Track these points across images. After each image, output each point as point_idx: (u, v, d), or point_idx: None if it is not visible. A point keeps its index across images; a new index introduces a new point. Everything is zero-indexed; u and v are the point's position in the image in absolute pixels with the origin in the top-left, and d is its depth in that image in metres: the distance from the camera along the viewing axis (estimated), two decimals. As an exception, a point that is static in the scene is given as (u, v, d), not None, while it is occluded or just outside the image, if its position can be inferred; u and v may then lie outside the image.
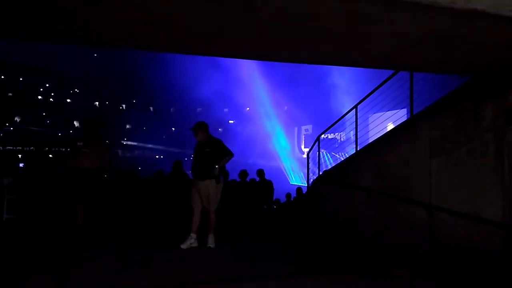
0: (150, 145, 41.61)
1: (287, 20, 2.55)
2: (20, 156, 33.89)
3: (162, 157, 39.80)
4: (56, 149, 34.31)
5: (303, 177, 16.95)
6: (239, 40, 3.04)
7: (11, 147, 35.16)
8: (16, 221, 7.41)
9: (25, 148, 35.71)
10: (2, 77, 39.48)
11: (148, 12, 2.37)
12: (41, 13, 2.44)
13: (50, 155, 34.35)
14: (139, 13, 2.39)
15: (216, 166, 5.62)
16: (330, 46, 3.16)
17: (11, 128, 38.18)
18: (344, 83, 22.18)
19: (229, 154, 5.72)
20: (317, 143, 9.04)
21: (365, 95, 7.00)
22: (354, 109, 7.22)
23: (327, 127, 9.11)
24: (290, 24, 2.63)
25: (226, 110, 41.38)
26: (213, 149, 5.66)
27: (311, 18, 2.49)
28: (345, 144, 18.62)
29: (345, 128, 17.72)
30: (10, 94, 39.63)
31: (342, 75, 22.29)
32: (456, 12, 2.35)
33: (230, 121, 41.66)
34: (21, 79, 40.33)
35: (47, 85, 42.15)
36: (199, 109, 40.72)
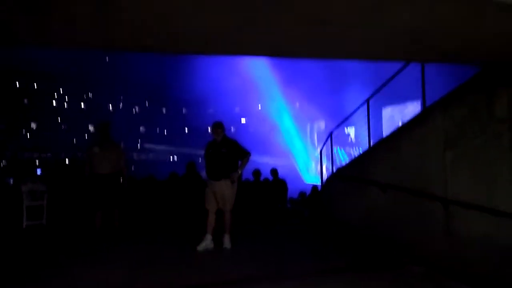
0: (163, 147, 41.88)
1: (302, 16, 2.53)
2: (37, 162, 34.46)
3: (175, 158, 40.05)
4: (72, 154, 34.77)
5: (318, 174, 16.93)
6: (255, 38, 3.02)
7: (28, 154, 35.74)
8: (36, 227, 7.55)
9: (41, 155, 36.26)
10: (17, 84, 40.12)
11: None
12: (50, 19, 2.45)
13: (67, 161, 34.83)
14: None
15: (240, 171, 5.66)
16: (341, 39, 3.13)
17: (28, 135, 38.81)
18: (356, 76, 21.96)
19: (247, 154, 5.73)
20: (330, 139, 8.99)
21: (377, 87, 6.91)
22: (366, 103, 7.16)
23: (339, 123, 9.06)
24: (304, 20, 2.61)
25: (237, 109, 41.37)
26: (229, 150, 5.66)
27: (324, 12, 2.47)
28: (358, 138, 18.50)
29: (358, 123, 17.60)
30: (26, 100, 40.27)
31: (354, 68, 22.07)
32: (463, 1, 2.32)
33: (242, 119, 41.66)
34: (35, 85, 40.92)
35: (61, 91, 42.70)
36: (210, 109, 40.78)
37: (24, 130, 39.20)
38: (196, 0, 2.18)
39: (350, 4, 2.34)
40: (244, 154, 5.71)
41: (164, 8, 2.28)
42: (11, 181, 10.44)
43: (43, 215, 7.72)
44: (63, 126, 40.87)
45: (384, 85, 6.61)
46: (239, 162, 5.75)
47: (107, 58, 42.17)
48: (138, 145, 41.94)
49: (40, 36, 2.87)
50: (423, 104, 5.56)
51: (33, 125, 40.22)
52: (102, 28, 2.53)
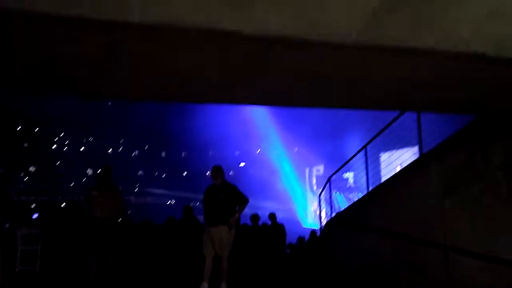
0: (162, 191, 41.57)
1: (296, 71, 2.64)
2: (34, 206, 34.08)
3: (174, 202, 39.67)
4: (70, 198, 34.48)
5: (316, 219, 16.78)
6: (260, 89, 3.13)
7: (25, 197, 35.40)
8: (29, 272, 7.37)
9: (38, 198, 35.90)
10: (19, 128, 40.42)
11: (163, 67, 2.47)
12: (59, 67, 2.54)
13: (64, 204, 34.49)
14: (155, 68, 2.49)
15: (236, 216, 5.60)
16: (333, 91, 3.23)
17: (26, 178, 38.63)
18: (355, 121, 22.24)
19: (245, 200, 5.67)
20: (328, 184, 9.01)
21: (376, 132, 7.00)
22: (364, 149, 7.25)
23: (338, 167, 9.11)
24: (298, 74, 2.72)
25: (237, 153, 41.52)
26: (228, 195, 5.63)
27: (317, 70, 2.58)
28: (357, 184, 18.45)
29: (356, 168, 17.59)
30: (26, 144, 40.43)
31: (352, 113, 22.35)
32: (456, 55, 2.41)
33: (241, 164, 41.69)
34: (36, 129, 41.23)
35: (61, 135, 42.97)
36: (210, 153, 40.91)
37: (22, 173, 39.08)
38: (198, 57, 2.29)
39: (350, 59, 2.44)
40: (242, 200, 5.67)
41: (166, 62, 2.39)
42: (7, 225, 10.31)
43: (36, 260, 7.56)
44: (61, 170, 40.77)
45: (381, 131, 6.73)
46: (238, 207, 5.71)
47: (109, 102, 42.65)
48: (137, 188, 41.67)
49: (45, 82, 2.96)
50: (420, 151, 5.63)
51: (32, 169, 40.15)
52: (107, 79, 2.63)
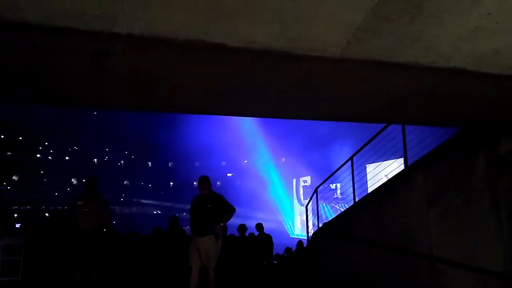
0: (148, 201, 41.18)
1: (283, 83, 2.68)
2: (16, 215, 33.41)
3: (159, 212, 39.31)
4: (54, 208, 33.90)
5: (303, 229, 16.77)
6: (247, 101, 3.16)
7: (8, 207, 34.62)
8: (11, 283, 7.21)
9: (21, 208, 35.23)
10: (2, 137, 39.78)
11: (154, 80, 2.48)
12: (51, 80, 2.54)
13: (46, 214, 33.89)
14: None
15: (221, 224, 5.57)
16: (319, 103, 3.28)
17: (8, 187, 37.91)
18: (340, 133, 22.40)
19: (232, 210, 5.65)
20: (315, 195, 9.04)
21: (362, 143, 7.08)
22: (350, 161, 7.31)
23: (325, 178, 9.16)
24: (285, 86, 2.76)
25: (224, 163, 41.46)
26: (214, 205, 5.60)
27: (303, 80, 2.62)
28: (343, 194, 18.54)
29: (343, 179, 17.68)
30: (9, 153, 39.75)
31: (338, 125, 22.54)
32: (437, 70, 2.47)
33: (228, 174, 41.59)
34: (20, 138, 40.61)
35: (46, 143, 42.39)
36: (197, 163, 40.77)
37: (5, 182, 38.32)
38: (189, 68, 2.30)
39: (335, 73, 2.48)
40: (229, 209, 5.66)
41: (154, 74, 2.40)
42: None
43: (18, 271, 7.40)
44: (45, 179, 40.14)
45: (367, 143, 6.81)
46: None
47: (94, 111, 42.27)
48: (122, 198, 41.17)
49: (35, 94, 2.94)
50: (405, 162, 5.71)
51: (15, 177, 39.46)
52: (97, 87, 2.62)
